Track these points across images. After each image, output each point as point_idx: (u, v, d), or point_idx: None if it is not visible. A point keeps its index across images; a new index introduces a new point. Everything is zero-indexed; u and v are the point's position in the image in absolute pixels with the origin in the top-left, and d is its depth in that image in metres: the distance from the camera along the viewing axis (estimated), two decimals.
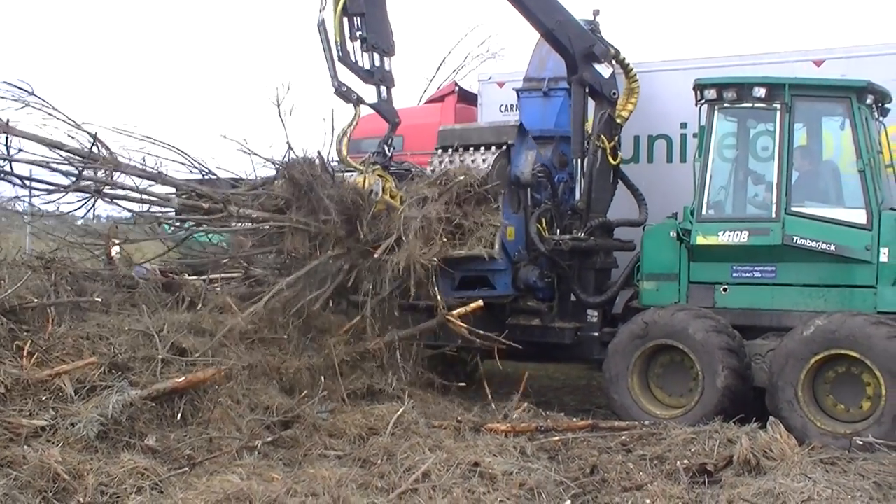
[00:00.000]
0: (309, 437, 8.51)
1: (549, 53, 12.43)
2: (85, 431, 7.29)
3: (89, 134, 9.62)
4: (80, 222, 11.18)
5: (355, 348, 10.02)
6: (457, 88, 16.29)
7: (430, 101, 17.82)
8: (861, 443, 8.88)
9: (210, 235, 11.75)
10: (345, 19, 10.44)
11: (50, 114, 9.41)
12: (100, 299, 9.13)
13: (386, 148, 11.06)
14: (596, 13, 12.24)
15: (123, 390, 7.73)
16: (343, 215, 10.32)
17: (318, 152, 10.57)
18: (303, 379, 9.37)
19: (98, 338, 8.42)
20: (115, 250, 10.86)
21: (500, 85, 13.87)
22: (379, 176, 10.71)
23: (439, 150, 11.53)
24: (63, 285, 9.09)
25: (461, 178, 10.75)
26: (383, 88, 10.77)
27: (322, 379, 9.37)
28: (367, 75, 10.65)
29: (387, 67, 10.77)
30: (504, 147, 11.23)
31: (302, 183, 10.22)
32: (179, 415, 7.99)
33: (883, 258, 9.84)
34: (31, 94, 9.29)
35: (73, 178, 9.57)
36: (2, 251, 9.64)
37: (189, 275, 10.79)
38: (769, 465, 7.86)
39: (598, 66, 11.74)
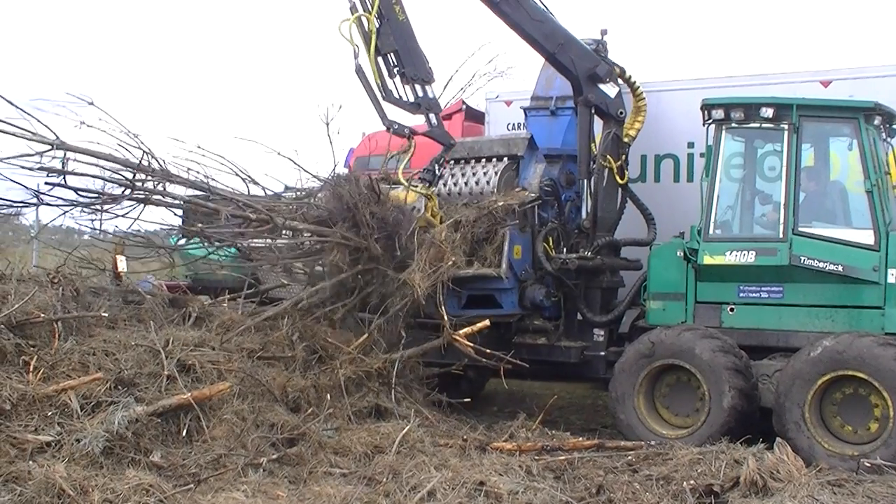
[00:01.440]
0: (314, 455, 8.49)
1: (555, 73, 12.45)
2: (90, 447, 7.29)
3: (143, 148, 9.90)
4: (86, 237, 11.20)
5: (361, 367, 10.00)
6: (464, 106, 16.28)
7: None
8: (869, 465, 8.81)
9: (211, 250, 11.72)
10: (380, 59, 10.57)
11: (107, 124, 9.72)
12: (106, 314, 9.13)
13: (437, 168, 11.15)
14: (604, 32, 12.26)
15: (129, 406, 7.73)
16: (383, 232, 10.46)
17: (369, 175, 10.76)
18: (309, 396, 9.34)
19: (104, 353, 8.42)
20: (121, 265, 10.86)
21: (508, 103, 13.90)
22: (425, 195, 10.88)
23: (449, 163, 11.59)
24: (69, 300, 9.09)
25: (500, 203, 10.90)
26: (432, 115, 10.94)
27: (328, 397, 9.34)
28: (414, 107, 10.83)
29: (430, 95, 10.92)
30: (513, 159, 11.27)
31: (347, 200, 10.40)
32: (185, 431, 7.98)
33: (891, 279, 9.80)
34: (91, 104, 9.55)
35: (125, 189, 9.90)
36: (9, 265, 9.64)
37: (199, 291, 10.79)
38: (776, 486, 7.82)
39: (603, 86, 11.76)
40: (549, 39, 11.49)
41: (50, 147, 9.35)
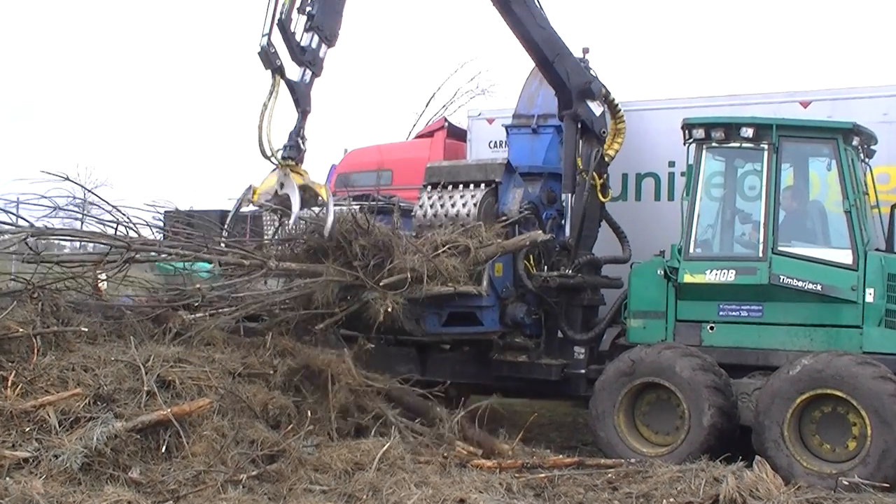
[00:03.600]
0: (294, 472, 8.42)
1: (538, 90, 12.51)
2: (68, 463, 7.22)
3: (123, 217, 9.80)
4: (66, 250, 11.13)
5: (356, 398, 9.91)
6: (446, 124, 16.36)
7: (420, 136, 17.91)
8: (847, 483, 8.86)
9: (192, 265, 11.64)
10: None
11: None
12: (86, 329, 9.06)
13: (300, 142, 10.32)
14: (585, 51, 12.34)
15: (108, 422, 7.66)
16: (377, 259, 10.27)
17: (352, 213, 10.52)
18: (290, 413, 9.29)
19: (83, 369, 8.32)
20: (101, 280, 10.78)
21: (490, 121, 13.95)
22: (290, 171, 10.11)
23: (427, 187, 11.56)
24: (49, 315, 9.02)
25: (511, 242, 10.91)
26: (308, 72, 10.22)
27: (309, 413, 9.29)
28: (300, 51, 10.11)
29: (321, 54, 10.25)
30: (491, 185, 11.26)
31: (337, 239, 10.19)
32: (164, 447, 7.92)
33: (869, 298, 9.90)
34: (67, 178, 9.45)
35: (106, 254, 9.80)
36: None
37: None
38: None
39: (591, 104, 11.82)
40: (550, 47, 11.54)
41: (24, 237, 9.24)
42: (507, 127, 12.82)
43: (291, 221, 10.00)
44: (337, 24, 10.33)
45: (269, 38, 9.89)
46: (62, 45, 63.67)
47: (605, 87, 12.09)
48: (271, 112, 9.92)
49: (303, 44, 10.10)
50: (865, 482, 8.79)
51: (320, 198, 10.18)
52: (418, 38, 56.66)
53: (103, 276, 10.33)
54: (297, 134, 10.26)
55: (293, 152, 10.17)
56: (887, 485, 8.79)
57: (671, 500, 8.06)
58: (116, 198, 10.03)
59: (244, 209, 10.59)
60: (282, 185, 10.00)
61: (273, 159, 10.06)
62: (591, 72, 12.17)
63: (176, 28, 63.05)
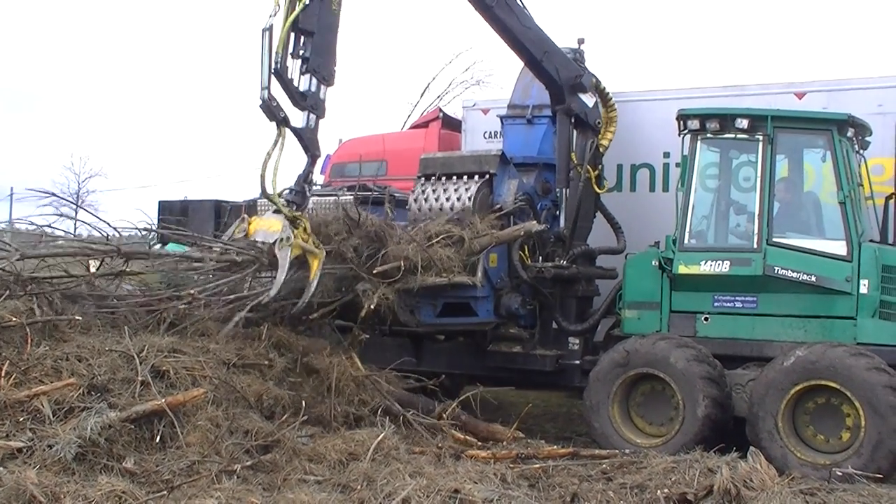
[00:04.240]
0: (289, 462, 8.43)
1: (532, 81, 12.50)
2: (62, 453, 7.20)
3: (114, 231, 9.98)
4: (60, 242, 11.09)
5: (358, 394, 9.89)
6: (441, 114, 16.34)
7: (414, 126, 17.91)
8: (841, 474, 8.89)
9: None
10: (293, 34, 9.90)
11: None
12: (80, 318, 9.04)
13: (306, 187, 10.29)
14: (581, 42, 12.34)
15: (102, 412, 7.64)
16: (370, 250, 10.27)
17: (343, 206, 10.48)
18: (284, 404, 9.28)
19: (77, 359, 8.31)
20: (92, 265, 10.75)
21: (485, 112, 13.94)
22: (293, 220, 9.91)
23: (422, 179, 11.55)
24: (43, 305, 9.01)
25: (506, 233, 10.94)
26: (312, 116, 10.10)
27: (304, 404, 9.29)
28: (300, 97, 10.00)
29: (321, 96, 10.14)
30: (486, 176, 11.25)
31: (330, 237, 10.15)
32: (159, 437, 7.91)
33: (863, 290, 9.92)
34: (53, 195, 9.87)
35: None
36: None
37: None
38: (749, 494, 7.83)
39: (583, 96, 11.81)
40: (537, 46, 11.50)
41: (16, 258, 9.20)
42: (501, 117, 12.82)
43: (272, 293, 9.68)
44: (332, 63, 10.21)
45: (269, 92, 9.75)
46: (62, 36, 63.53)
47: (595, 76, 12.08)
48: (277, 162, 9.73)
49: (302, 89, 10.00)
50: (859, 473, 8.81)
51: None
52: (413, 28, 56.67)
53: (94, 266, 10.33)
54: (305, 179, 10.22)
55: (298, 198, 10.13)
56: (881, 475, 8.83)
57: (665, 490, 8.05)
58: (110, 187, 10.06)
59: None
60: (280, 243, 9.82)
61: (276, 202, 9.89)
62: (584, 63, 12.14)
63: (172, 19, 62.93)
